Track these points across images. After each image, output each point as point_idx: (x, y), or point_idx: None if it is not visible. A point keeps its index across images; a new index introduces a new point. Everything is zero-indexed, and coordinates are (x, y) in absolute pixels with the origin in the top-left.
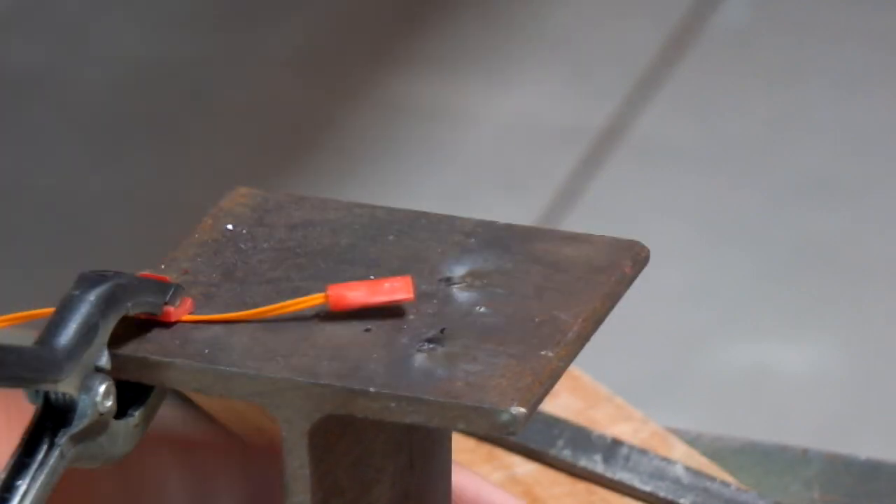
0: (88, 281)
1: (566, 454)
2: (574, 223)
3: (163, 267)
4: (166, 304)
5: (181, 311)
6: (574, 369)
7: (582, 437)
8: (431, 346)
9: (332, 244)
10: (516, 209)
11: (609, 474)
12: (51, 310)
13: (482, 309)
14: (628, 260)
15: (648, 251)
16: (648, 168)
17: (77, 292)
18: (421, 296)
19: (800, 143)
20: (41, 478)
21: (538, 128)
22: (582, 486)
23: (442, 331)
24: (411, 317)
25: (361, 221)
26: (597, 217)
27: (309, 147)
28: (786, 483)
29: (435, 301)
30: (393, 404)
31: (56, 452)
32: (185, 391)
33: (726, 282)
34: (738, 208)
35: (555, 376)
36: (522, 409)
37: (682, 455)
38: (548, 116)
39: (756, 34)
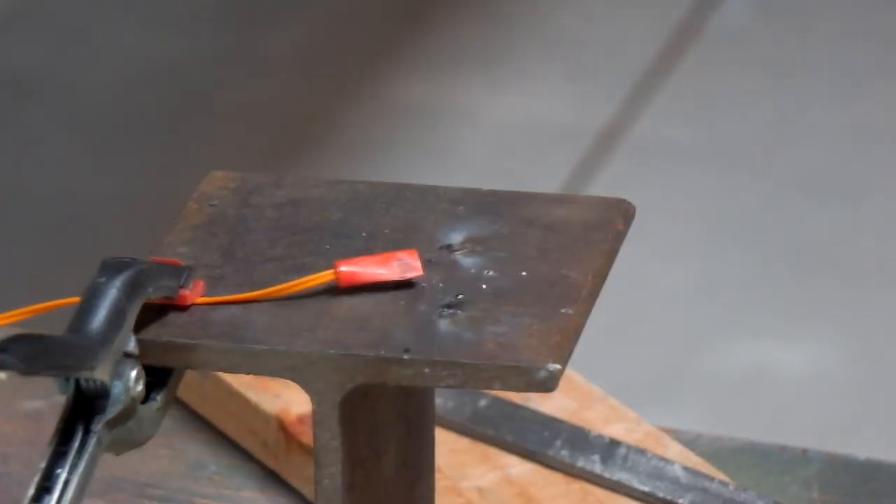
0: (112, 268)
1: (564, 454)
2: None
3: (159, 255)
4: (181, 287)
5: (195, 293)
6: (567, 370)
7: (579, 438)
8: (451, 311)
9: (323, 220)
10: None
11: (607, 474)
12: (74, 299)
13: (491, 273)
14: (619, 217)
15: (635, 208)
16: (648, 168)
17: (103, 279)
18: (427, 263)
19: (800, 143)
20: (81, 465)
21: (538, 128)
22: (577, 487)
23: (458, 296)
24: (423, 285)
25: (346, 196)
26: None
27: (309, 147)
28: (785, 483)
29: (442, 268)
30: (427, 370)
31: (93, 439)
32: (211, 371)
33: (726, 281)
34: (737, 208)
35: (578, 332)
36: (558, 366)
37: (677, 455)
38: (548, 116)
39: (756, 34)
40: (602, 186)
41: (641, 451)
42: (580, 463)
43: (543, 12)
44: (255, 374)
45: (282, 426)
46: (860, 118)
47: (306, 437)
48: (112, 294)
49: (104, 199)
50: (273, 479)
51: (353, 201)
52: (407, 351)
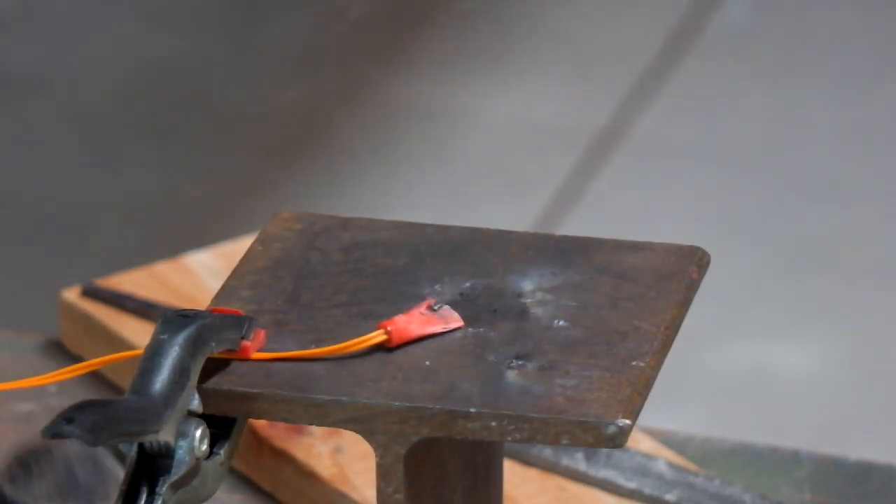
0: (173, 324)
1: (547, 454)
2: (574, 223)
3: (221, 300)
4: (243, 338)
5: (256, 343)
6: None
7: None
8: (520, 362)
9: (390, 264)
10: (516, 209)
11: (592, 472)
12: (137, 352)
13: (561, 322)
14: (693, 266)
15: (710, 256)
16: (648, 168)
17: (165, 336)
18: (497, 312)
19: (800, 143)
20: None
21: (538, 128)
22: (552, 483)
23: (527, 346)
24: (493, 334)
25: (414, 241)
26: (596, 217)
27: (309, 148)
28: (777, 485)
29: (511, 317)
30: (494, 423)
31: (158, 502)
32: (273, 421)
33: (724, 282)
34: (737, 208)
35: (650, 386)
36: (628, 421)
37: (649, 451)
38: (548, 116)
39: (756, 34)
40: (602, 186)
41: (624, 448)
42: (564, 461)
43: (543, 12)
44: (318, 424)
45: (252, 430)
46: (860, 118)
47: (276, 440)
48: (175, 352)
49: (104, 199)
50: (244, 482)
51: (421, 245)
52: (473, 404)
